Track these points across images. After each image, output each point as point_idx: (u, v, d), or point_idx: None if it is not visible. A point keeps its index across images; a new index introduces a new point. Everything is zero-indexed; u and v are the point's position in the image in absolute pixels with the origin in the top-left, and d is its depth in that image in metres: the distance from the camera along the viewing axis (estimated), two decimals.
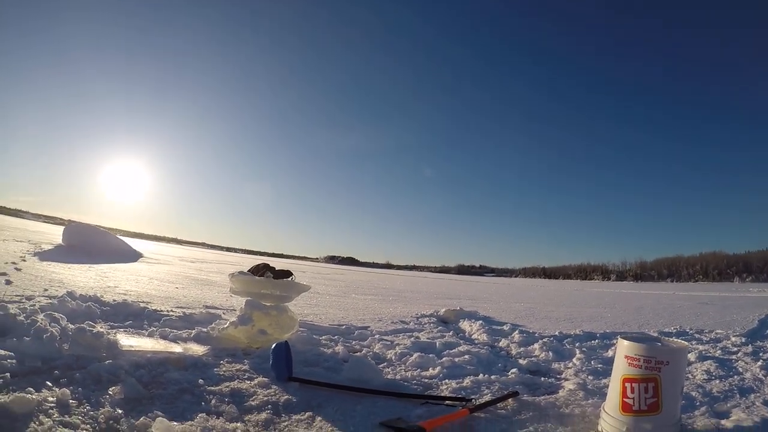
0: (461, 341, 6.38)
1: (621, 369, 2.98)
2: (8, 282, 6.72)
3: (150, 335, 4.66)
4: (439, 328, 7.54)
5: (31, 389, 2.73)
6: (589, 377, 4.77)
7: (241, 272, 5.39)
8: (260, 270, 5.40)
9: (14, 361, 3.22)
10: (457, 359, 4.93)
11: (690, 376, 5.14)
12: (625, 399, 2.92)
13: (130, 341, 4.20)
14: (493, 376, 4.37)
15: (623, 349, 2.99)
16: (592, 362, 5.53)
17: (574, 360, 5.63)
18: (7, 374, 2.96)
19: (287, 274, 5.51)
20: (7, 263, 8.89)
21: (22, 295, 5.72)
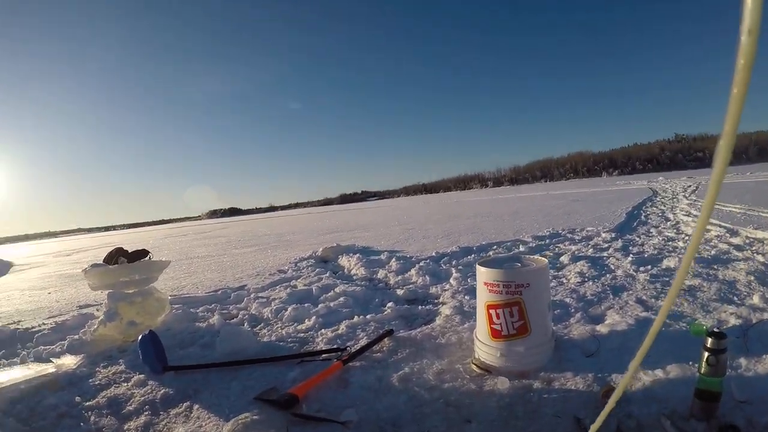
0: (339, 281, 6.78)
1: (483, 296, 3.09)
2: None
3: (22, 361, 4.66)
4: (317, 269, 8.05)
5: None
6: (466, 297, 5.08)
7: (93, 264, 5.27)
8: (113, 257, 5.29)
9: None
10: (332, 304, 5.25)
11: (564, 281, 5.58)
12: (492, 326, 3.05)
13: (1, 377, 4.07)
14: (369, 316, 4.64)
15: (482, 275, 3.09)
16: (469, 280, 5.91)
17: (451, 281, 5.99)
18: None
19: (143, 254, 5.43)
20: None
21: None
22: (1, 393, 3.84)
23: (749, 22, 0.74)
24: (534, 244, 8.40)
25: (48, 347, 4.91)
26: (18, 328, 5.93)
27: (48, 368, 4.34)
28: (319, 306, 5.15)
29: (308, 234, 17.52)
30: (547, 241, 8.78)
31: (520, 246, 8.32)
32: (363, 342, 3.93)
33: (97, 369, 4.12)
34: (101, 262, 5.38)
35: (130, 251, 5.46)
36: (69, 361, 4.45)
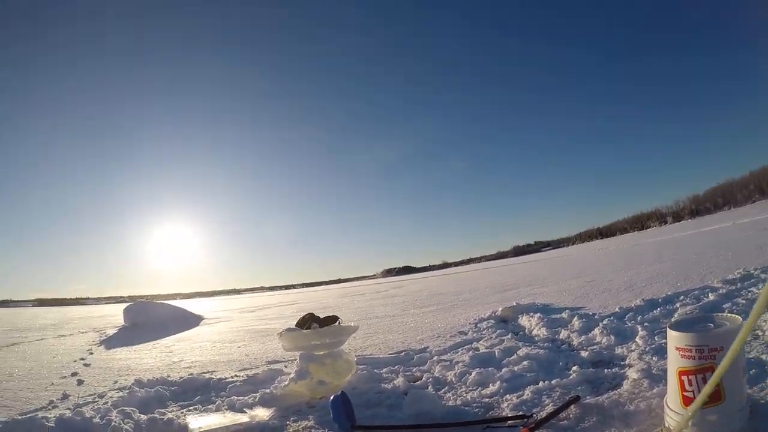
0: (520, 343, 6.69)
1: (675, 362, 2.93)
2: (80, 382, 7.67)
3: (218, 409, 5.16)
4: (498, 331, 8.00)
5: None
6: (654, 358, 4.80)
7: (288, 329, 5.91)
8: (306, 322, 5.90)
9: None
10: (516, 368, 5.18)
11: (760, 333, 4.85)
12: (684, 393, 2.86)
13: (198, 422, 4.80)
14: (554, 381, 4.52)
15: (673, 340, 2.93)
16: (656, 338, 5.58)
17: (637, 339, 5.69)
18: None
19: (333, 319, 5.98)
20: (75, 361, 10.08)
21: (95, 393, 6.55)
22: None
23: None
24: (724, 290, 7.67)
25: (241, 398, 5.37)
26: (212, 378, 6.54)
27: (242, 418, 4.78)
28: (503, 370, 5.12)
29: (485, 291, 17.47)
30: (739, 285, 8.06)
31: (709, 294, 7.61)
32: (549, 408, 3.83)
33: (288, 422, 4.39)
34: (294, 326, 5.94)
35: (321, 317, 6.01)
36: (261, 413, 4.85)
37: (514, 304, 10.03)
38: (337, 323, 5.91)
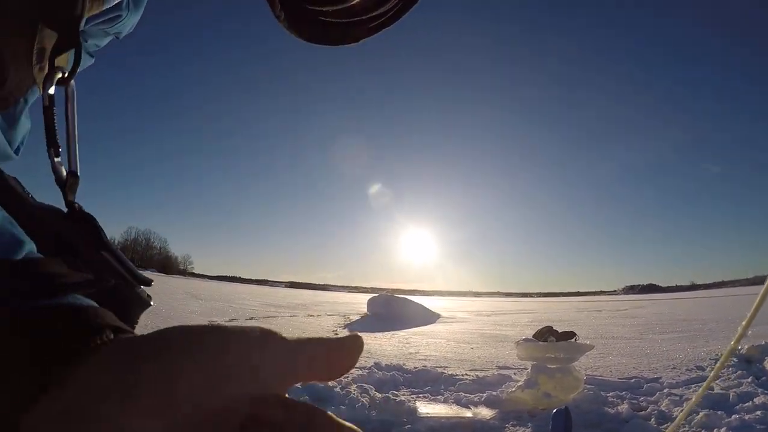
0: (759, 390, 6.08)
1: None
2: None
3: (445, 401, 5.72)
4: (738, 372, 7.08)
5: None
6: None
7: (526, 339, 6.33)
8: (543, 334, 6.23)
9: None
10: (747, 416, 4.92)
11: None
12: None
13: (426, 408, 5.22)
14: None
15: None
16: None
17: None
18: None
19: (570, 335, 6.19)
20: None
21: None
22: (425, 420, 4.67)
23: None
24: None
25: (467, 395, 5.86)
26: (444, 373, 6.99)
27: (466, 413, 5.15)
28: (733, 417, 4.87)
29: (732, 324, 15.62)
30: None
31: None
32: None
33: (507, 425, 4.74)
34: (531, 337, 6.31)
35: (559, 332, 6.27)
36: (484, 412, 5.24)
37: (764, 343, 9.05)
38: (573, 339, 6.11)
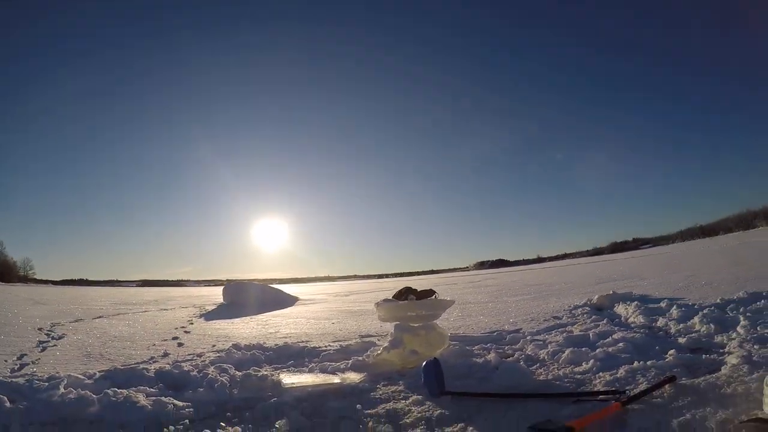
0: (616, 328, 6.89)
1: None
2: (180, 344, 8.50)
3: (310, 371, 5.52)
4: (593, 317, 8.33)
5: (208, 430, 3.56)
6: (755, 346, 4.86)
7: (385, 300, 6.26)
8: (403, 294, 6.24)
9: (192, 409, 4.18)
10: (610, 349, 5.32)
11: None
12: None
13: (291, 379, 5.20)
14: (649, 362, 4.62)
15: None
16: (758, 328, 5.68)
17: (738, 329, 5.76)
18: (186, 420, 3.90)
19: (429, 293, 6.22)
20: (177, 328, 11.30)
21: (194, 353, 7.30)
22: (291, 391, 4.64)
23: None
24: None
25: (333, 363, 5.74)
26: (306, 346, 7.01)
27: (334, 379, 5.15)
28: (597, 350, 5.23)
29: (580, 283, 17.74)
30: None
31: None
32: (643, 387, 3.91)
33: (378, 386, 4.64)
34: (391, 298, 6.25)
35: (418, 290, 6.25)
36: (353, 377, 5.15)
37: (611, 293, 9.84)
38: (433, 297, 6.13)
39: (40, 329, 10.34)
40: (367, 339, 7.42)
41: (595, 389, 4.04)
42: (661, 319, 7.07)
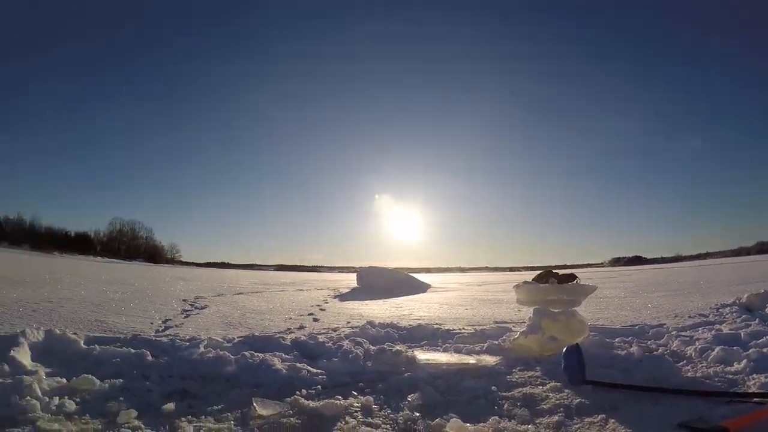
0: None
1: None
2: (315, 320, 8.91)
3: (445, 350, 5.54)
4: (743, 317, 7.60)
5: (339, 397, 3.74)
6: None
7: (525, 282, 6.11)
8: (543, 277, 6.02)
9: (325, 377, 4.37)
10: (765, 350, 4.84)
11: None
12: None
13: (426, 356, 5.19)
14: None
15: None
16: None
17: None
18: (319, 386, 4.08)
19: (571, 277, 6.00)
20: (312, 306, 11.79)
21: (329, 328, 7.58)
22: (425, 368, 4.65)
23: None
24: None
25: (467, 345, 5.70)
26: (440, 328, 7.05)
27: (469, 359, 5.14)
28: (750, 350, 4.79)
29: (725, 282, 16.23)
30: None
31: None
32: None
33: (514, 370, 4.55)
34: (530, 281, 6.09)
35: (560, 274, 6.04)
36: (488, 359, 5.07)
37: (762, 291, 8.98)
38: (575, 281, 5.90)
39: (184, 300, 11.53)
40: (503, 325, 7.22)
41: (750, 391, 3.80)
42: None
